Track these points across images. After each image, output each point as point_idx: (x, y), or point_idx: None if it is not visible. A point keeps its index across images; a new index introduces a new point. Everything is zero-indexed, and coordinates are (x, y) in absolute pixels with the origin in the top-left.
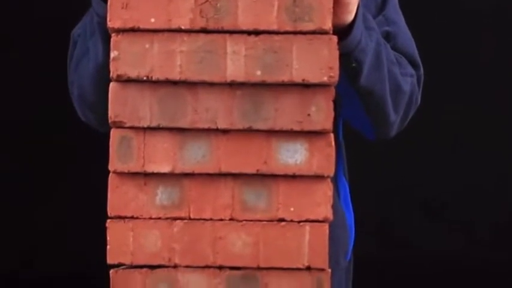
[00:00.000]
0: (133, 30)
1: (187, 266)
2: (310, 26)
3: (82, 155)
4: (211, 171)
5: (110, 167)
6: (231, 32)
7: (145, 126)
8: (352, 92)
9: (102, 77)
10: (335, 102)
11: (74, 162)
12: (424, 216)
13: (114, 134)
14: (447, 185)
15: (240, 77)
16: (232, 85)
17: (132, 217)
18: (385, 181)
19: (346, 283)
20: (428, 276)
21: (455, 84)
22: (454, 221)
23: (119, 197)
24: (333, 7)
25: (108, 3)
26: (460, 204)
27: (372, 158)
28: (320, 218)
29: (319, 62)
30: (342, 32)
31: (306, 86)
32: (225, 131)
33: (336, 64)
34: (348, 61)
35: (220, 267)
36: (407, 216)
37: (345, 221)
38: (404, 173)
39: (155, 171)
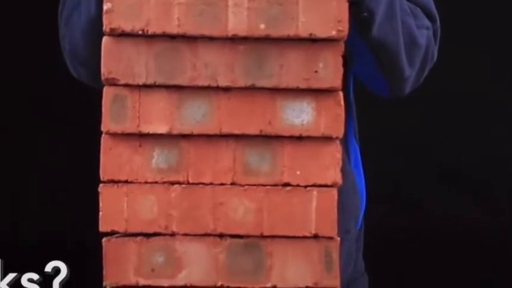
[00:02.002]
0: None
1: (185, 234)
2: None
3: (73, 115)
4: (211, 132)
5: (103, 128)
6: None
7: (140, 83)
8: (363, 46)
9: (95, 31)
10: (344, 57)
11: (65, 122)
12: (439, 180)
13: (107, 92)
14: (465, 148)
15: (243, 31)
16: (234, 40)
17: (126, 181)
18: (397, 142)
19: (356, 252)
20: (442, 244)
21: (476, 39)
22: (471, 186)
23: (112, 159)
24: None
25: None
26: (478, 169)
27: (383, 117)
28: (328, 183)
29: (327, 15)
30: None
31: (313, 41)
32: (226, 89)
33: (345, 17)
34: (359, 10)
35: (221, 236)
36: (421, 181)
37: (356, 186)
38: (418, 134)
39: (151, 132)
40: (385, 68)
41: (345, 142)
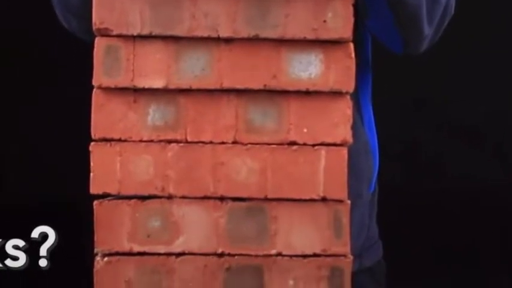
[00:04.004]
0: None
1: (183, 197)
2: None
3: (62, 67)
4: (211, 87)
5: (94, 82)
6: None
7: (135, 34)
8: (381, 2)
9: None
10: (356, 8)
11: (54, 75)
12: (455, 139)
13: (99, 43)
14: (481, 106)
15: None
16: None
17: (119, 140)
18: (411, 100)
19: (369, 217)
20: (458, 205)
21: None
22: (488, 145)
23: (105, 116)
24: None
25: None
26: (495, 128)
27: (396, 73)
28: (338, 141)
29: None
30: None
31: None
32: (227, 40)
33: None
34: None
35: (222, 198)
36: (436, 140)
37: (368, 148)
38: (433, 91)
39: (146, 86)
40: (404, 26)
41: (358, 101)
